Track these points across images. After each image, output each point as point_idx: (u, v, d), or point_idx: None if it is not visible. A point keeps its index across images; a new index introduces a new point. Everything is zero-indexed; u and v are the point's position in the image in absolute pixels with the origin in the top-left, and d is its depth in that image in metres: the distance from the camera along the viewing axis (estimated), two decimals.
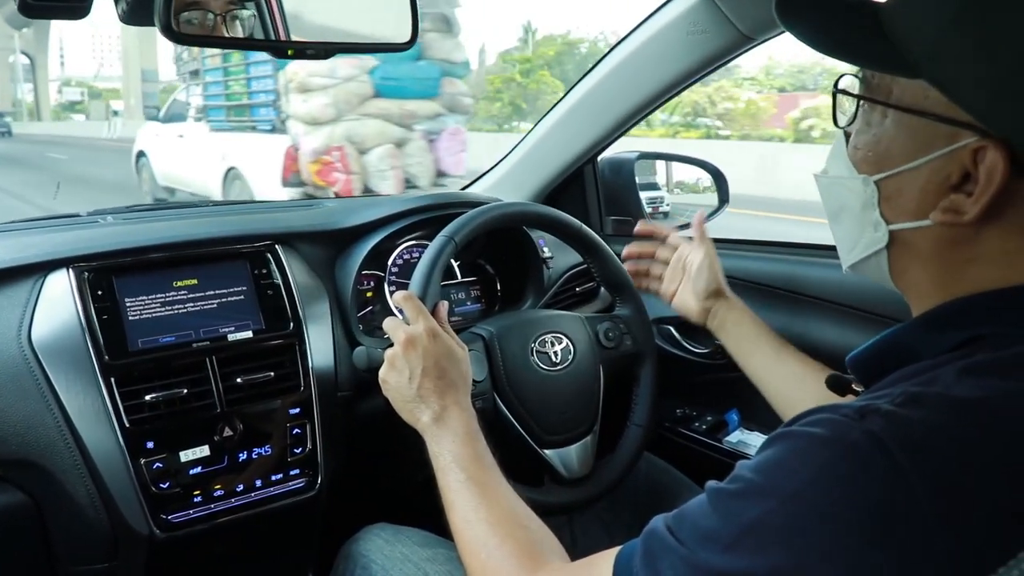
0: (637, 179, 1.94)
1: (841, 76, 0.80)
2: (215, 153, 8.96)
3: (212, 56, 9.23)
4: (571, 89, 1.82)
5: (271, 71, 8.29)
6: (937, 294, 0.74)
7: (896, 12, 0.73)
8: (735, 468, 0.68)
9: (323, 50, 1.06)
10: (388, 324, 1.12)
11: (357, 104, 7.75)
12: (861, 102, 0.77)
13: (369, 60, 7.61)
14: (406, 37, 1.11)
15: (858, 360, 0.80)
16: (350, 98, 7.72)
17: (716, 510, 0.66)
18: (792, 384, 1.22)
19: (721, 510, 0.65)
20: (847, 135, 0.80)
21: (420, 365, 1.05)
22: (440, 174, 8.12)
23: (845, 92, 0.79)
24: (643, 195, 1.96)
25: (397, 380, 1.07)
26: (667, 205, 2.18)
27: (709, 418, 1.70)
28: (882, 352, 0.77)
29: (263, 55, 6.86)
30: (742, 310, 1.32)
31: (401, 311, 1.13)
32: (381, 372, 1.09)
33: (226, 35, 1.03)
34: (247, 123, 8.97)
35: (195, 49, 8.64)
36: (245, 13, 1.13)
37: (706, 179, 2.01)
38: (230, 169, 8.75)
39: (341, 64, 7.56)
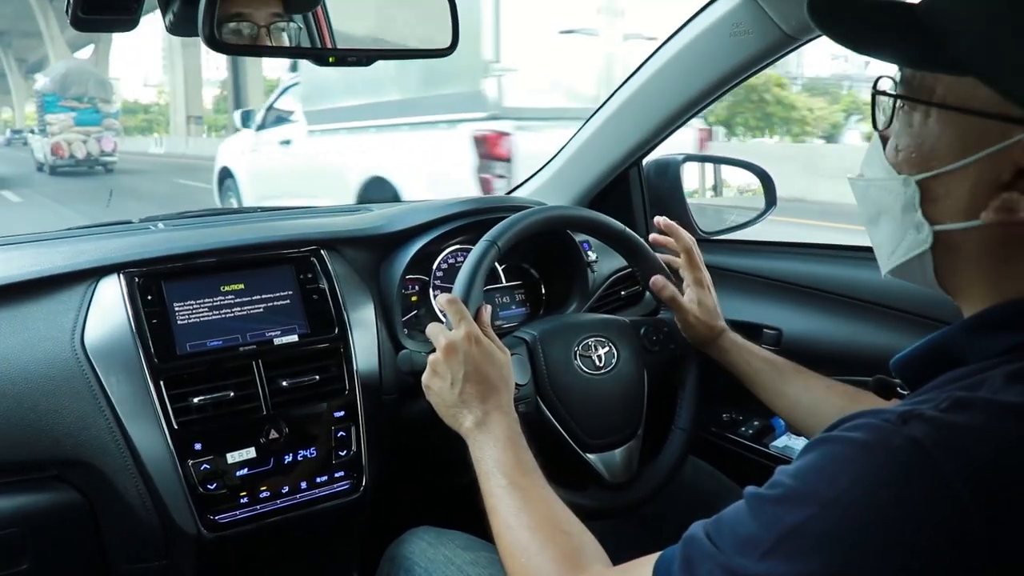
0: None
1: (879, 78, 0.77)
2: (41, 147, 23.61)
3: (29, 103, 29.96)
4: (615, 92, 1.80)
5: (43, 113, 23.78)
6: (989, 294, 0.72)
7: (938, 8, 0.71)
8: (774, 473, 0.67)
9: (364, 57, 1.07)
10: (431, 330, 1.13)
11: (68, 127, 23.20)
12: (898, 103, 0.75)
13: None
14: (447, 43, 1.12)
15: (903, 363, 0.79)
16: (65, 124, 23.21)
17: (754, 516, 0.65)
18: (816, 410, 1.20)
19: (759, 516, 0.64)
20: (883, 138, 0.78)
21: (462, 370, 1.05)
22: (102, 151, 23.27)
23: (885, 93, 0.77)
24: None
25: (439, 385, 1.07)
26: None
27: (755, 423, 1.68)
28: (928, 355, 0.75)
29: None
30: (745, 345, 1.33)
31: (444, 315, 1.13)
32: (424, 377, 1.10)
33: (269, 44, 1.05)
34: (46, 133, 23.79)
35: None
36: (291, 26, 1.14)
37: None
38: (45, 152, 23.06)
39: (61, 116, 23.27)
